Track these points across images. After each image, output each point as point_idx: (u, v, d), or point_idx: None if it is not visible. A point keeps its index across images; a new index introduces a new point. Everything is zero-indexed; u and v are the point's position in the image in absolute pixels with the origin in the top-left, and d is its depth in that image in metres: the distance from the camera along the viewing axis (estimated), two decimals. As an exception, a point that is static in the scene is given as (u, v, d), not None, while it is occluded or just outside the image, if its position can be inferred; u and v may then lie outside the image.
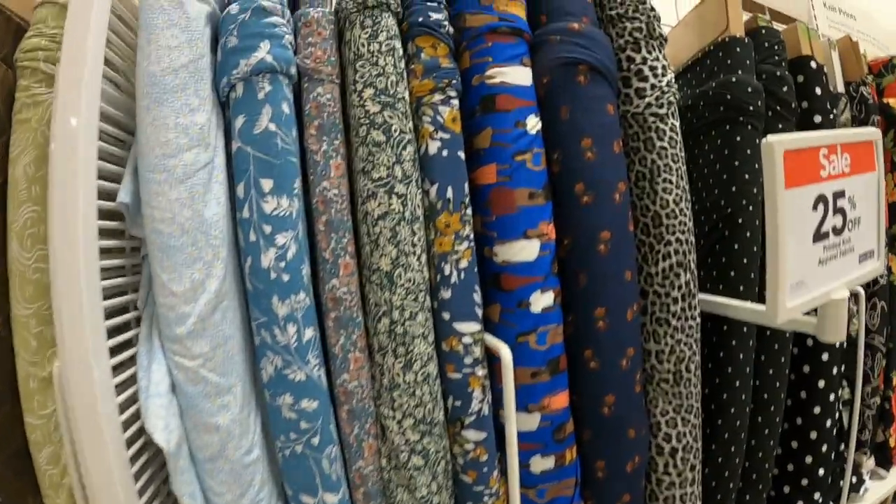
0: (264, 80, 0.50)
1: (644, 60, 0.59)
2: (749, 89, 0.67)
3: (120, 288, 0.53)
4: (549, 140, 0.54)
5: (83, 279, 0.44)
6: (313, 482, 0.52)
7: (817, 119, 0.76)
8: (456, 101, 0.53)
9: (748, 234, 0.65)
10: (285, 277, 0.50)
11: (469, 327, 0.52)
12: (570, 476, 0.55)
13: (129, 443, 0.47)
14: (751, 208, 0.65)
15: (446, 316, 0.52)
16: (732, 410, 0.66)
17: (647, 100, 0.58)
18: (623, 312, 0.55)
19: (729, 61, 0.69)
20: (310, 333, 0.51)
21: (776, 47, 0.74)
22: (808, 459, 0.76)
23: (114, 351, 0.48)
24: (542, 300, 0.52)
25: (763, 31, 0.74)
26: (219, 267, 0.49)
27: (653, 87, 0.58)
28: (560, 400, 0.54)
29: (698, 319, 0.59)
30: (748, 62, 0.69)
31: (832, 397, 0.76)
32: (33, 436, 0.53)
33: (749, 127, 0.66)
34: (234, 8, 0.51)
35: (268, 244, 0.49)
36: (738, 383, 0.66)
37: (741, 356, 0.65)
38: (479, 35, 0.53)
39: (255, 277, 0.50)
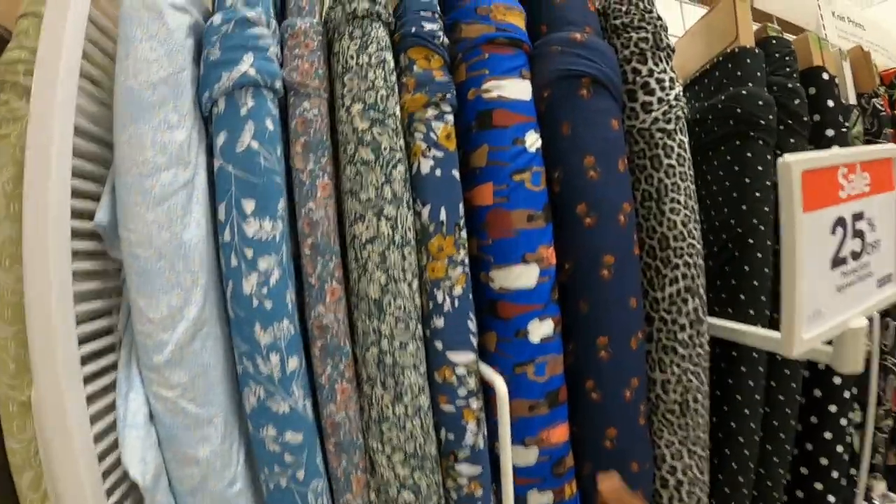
0: (247, 94, 0.45)
1: (651, 73, 0.53)
2: (760, 102, 0.61)
3: (101, 311, 0.49)
4: (549, 158, 0.49)
5: (55, 307, 0.40)
6: (299, 516, 0.47)
7: (829, 132, 0.70)
8: (450, 117, 0.48)
9: (759, 255, 0.59)
10: (268, 305, 0.45)
11: (463, 357, 0.47)
12: (569, 513, 0.50)
13: (108, 472, 0.42)
14: (762, 228, 0.59)
15: (439, 345, 0.47)
16: (741, 440, 0.60)
17: (653, 114, 0.52)
18: (627, 341, 0.49)
19: (739, 73, 0.63)
20: (294, 363, 0.46)
21: (787, 58, 0.68)
22: (819, 486, 0.70)
23: (95, 376, 0.44)
24: (541, 329, 0.47)
25: (774, 42, 0.68)
26: (198, 293, 0.44)
27: (660, 100, 0.53)
28: (559, 433, 0.49)
29: (707, 347, 0.54)
30: (759, 74, 0.63)
31: (843, 421, 0.70)
32: (14, 459, 0.49)
33: (760, 142, 0.61)
34: (216, 19, 0.46)
35: (250, 269, 0.45)
36: (747, 412, 0.60)
37: (751, 383, 0.60)
38: (475, 46, 0.48)
39: (236, 304, 0.45)
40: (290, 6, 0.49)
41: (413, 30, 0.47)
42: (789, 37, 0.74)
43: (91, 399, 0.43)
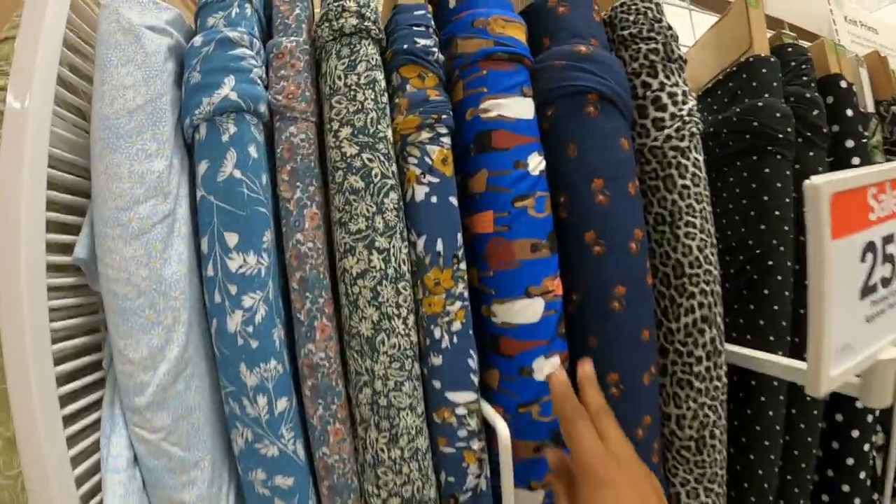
0: (229, 120, 0.40)
1: (662, 86, 0.47)
2: (777, 114, 0.55)
3: (89, 346, 0.44)
4: (554, 181, 0.43)
5: (29, 349, 0.36)
6: (289, 564, 0.42)
7: (849, 144, 0.63)
8: (447, 139, 0.42)
9: (779, 278, 0.53)
10: (254, 344, 0.40)
11: (463, 397, 0.42)
12: (579, 560, 0.44)
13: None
14: (782, 249, 0.53)
15: (437, 384, 0.42)
16: (760, 472, 0.54)
17: (666, 132, 0.46)
18: (639, 377, 0.44)
19: (754, 83, 0.57)
20: (283, 404, 0.41)
21: (804, 66, 0.61)
22: (840, 514, 0.63)
23: (82, 412, 0.40)
24: (546, 367, 0.41)
25: (789, 49, 0.62)
26: (180, 332, 0.40)
27: (672, 116, 0.47)
28: (567, 476, 0.43)
29: (725, 379, 0.48)
30: (775, 84, 0.57)
31: (867, 447, 0.63)
32: (2, 495, 0.45)
33: (778, 156, 0.54)
34: (197, 40, 0.41)
35: (234, 306, 0.40)
36: (766, 443, 0.54)
37: (771, 413, 0.53)
38: (472, 62, 0.42)
39: (221, 342, 0.40)
40: (275, 24, 0.43)
41: (405, 46, 0.41)
42: (803, 44, 0.67)
43: (76, 438, 0.38)
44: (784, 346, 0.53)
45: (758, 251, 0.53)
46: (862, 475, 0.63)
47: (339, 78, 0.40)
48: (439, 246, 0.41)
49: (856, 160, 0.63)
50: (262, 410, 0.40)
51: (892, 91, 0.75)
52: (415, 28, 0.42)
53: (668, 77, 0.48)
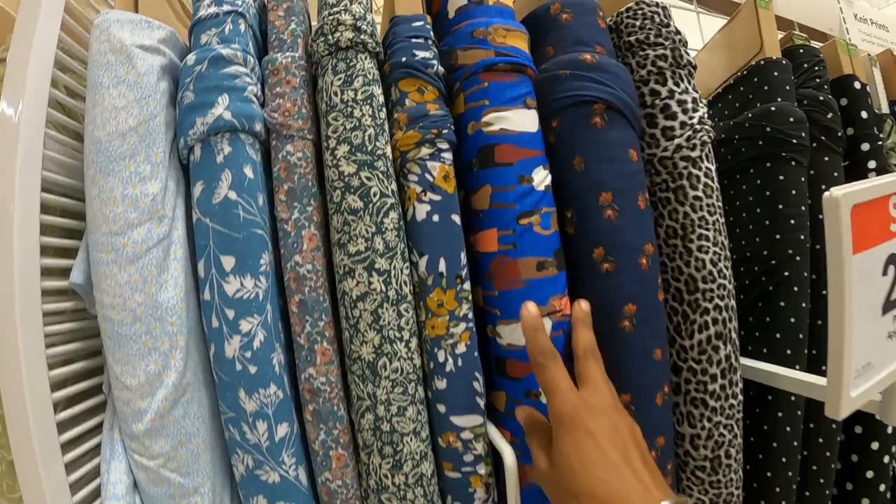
0: (223, 140, 0.38)
1: (671, 94, 0.44)
2: (791, 119, 0.51)
3: (89, 370, 0.42)
4: (561, 196, 0.40)
5: (25, 375, 0.34)
6: (294, 591, 0.40)
7: (865, 147, 0.59)
8: (448, 155, 0.39)
9: (795, 289, 0.49)
10: (252, 369, 0.38)
11: (469, 421, 0.39)
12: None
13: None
14: (798, 259, 0.49)
15: (442, 408, 0.39)
16: (777, 490, 0.50)
17: (676, 141, 0.43)
18: (651, 398, 0.40)
19: (766, 87, 0.53)
20: (284, 430, 0.38)
21: (816, 68, 0.58)
22: (860, 528, 0.59)
23: (82, 438, 0.38)
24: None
25: (801, 51, 0.58)
26: (177, 357, 0.37)
27: (682, 125, 0.43)
28: (578, 500, 0.40)
29: (741, 396, 0.44)
30: (788, 87, 0.53)
31: (886, 459, 0.59)
32: None
33: (793, 162, 0.51)
34: (190, 59, 0.39)
35: (231, 331, 0.37)
36: (784, 459, 0.50)
37: (788, 429, 0.50)
38: (473, 74, 0.39)
39: (219, 368, 0.38)
40: (270, 40, 0.41)
41: (403, 59, 0.39)
42: (815, 44, 0.63)
43: (77, 462, 0.37)
44: (801, 359, 0.50)
45: (773, 262, 0.49)
46: (882, 487, 0.60)
47: (336, 94, 0.38)
48: (442, 266, 0.38)
49: (872, 164, 0.59)
50: (263, 437, 0.38)
51: (907, 90, 0.70)
52: (413, 40, 0.39)
53: (677, 84, 0.44)
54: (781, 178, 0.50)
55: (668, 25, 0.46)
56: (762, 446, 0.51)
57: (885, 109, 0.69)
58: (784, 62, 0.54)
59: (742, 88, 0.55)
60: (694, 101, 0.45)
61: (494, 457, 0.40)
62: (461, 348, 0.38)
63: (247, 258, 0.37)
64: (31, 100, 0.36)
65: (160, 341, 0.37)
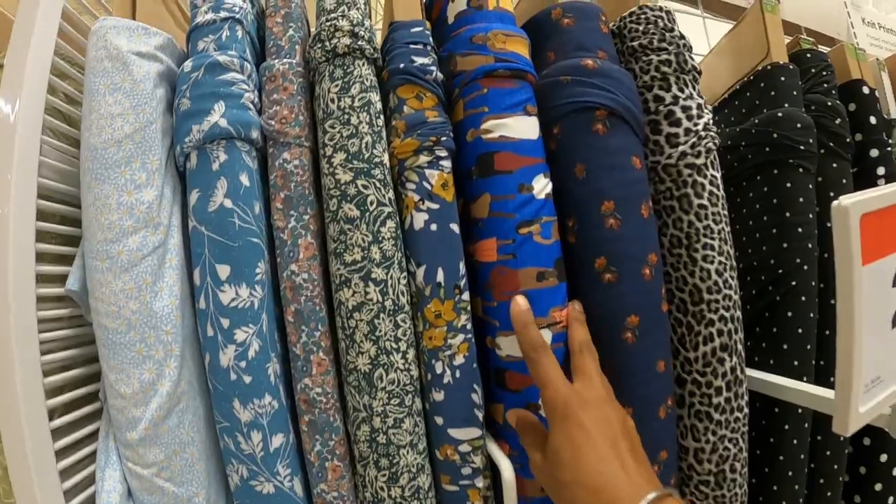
0: (219, 147, 0.37)
1: (675, 100, 0.42)
2: (798, 125, 0.49)
3: (86, 376, 0.41)
4: (562, 205, 0.39)
5: (19, 384, 0.33)
6: None
7: (874, 153, 0.57)
8: (447, 163, 0.38)
9: (803, 299, 0.47)
10: (247, 379, 0.36)
11: (466, 433, 0.37)
12: None
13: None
14: (805, 268, 0.47)
15: (439, 420, 0.37)
16: (784, 504, 0.48)
17: (680, 148, 0.41)
18: (654, 411, 0.38)
19: (773, 92, 0.51)
20: (279, 440, 0.37)
21: (824, 73, 0.55)
22: (867, 541, 0.56)
23: (78, 444, 0.37)
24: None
25: (808, 55, 0.55)
26: (172, 366, 0.36)
27: (687, 131, 0.41)
28: (578, 515, 0.38)
29: (746, 409, 0.42)
30: (795, 92, 0.51)
31: (895, 471, 0.56)
32: None
33: (800, 169, 0.48)
34: (187, 65, 0.38)
35: (226, 340, 0.36)
36: (790, 473, 0.48)
37: (795, 442, 0.47)
38: (472, 80, 0.38)
39: (214, 377, 0.37)
40: (268, 47, 0.40)
41: (402, 65, 0.37)
42: (822, 49, 0.61)
43: (72, 470, 0.36)
44: (809, 371, 0.47)
45: (780, 271, 0.47)
46: (890, 500, 0.57)
47: (333, 101, 0.36)
48: (440, 276, 0.36)
49: (881, 170, 0.56)
50: (257, 447, 0.37)
51: (916, 95, 0.68)
52: (412, 46, 0.38)
53: (681, 90, 0.42)
54: (789, 185, 0.48)
55: (671, 30, 0.44)
56: (768, 459, 0.48)
57: (894, 115, 0.66)
58: (791, 67, 0.52)
59: (748, 94, 0.53)
60: (699, 106, 0.42)
61: (493, 470, 0.39)
62: (459, 360, 0.37)
63: (242, 267, 0.36)
64: (28, 101, 0.35)
65: (154, 349, 0.36)
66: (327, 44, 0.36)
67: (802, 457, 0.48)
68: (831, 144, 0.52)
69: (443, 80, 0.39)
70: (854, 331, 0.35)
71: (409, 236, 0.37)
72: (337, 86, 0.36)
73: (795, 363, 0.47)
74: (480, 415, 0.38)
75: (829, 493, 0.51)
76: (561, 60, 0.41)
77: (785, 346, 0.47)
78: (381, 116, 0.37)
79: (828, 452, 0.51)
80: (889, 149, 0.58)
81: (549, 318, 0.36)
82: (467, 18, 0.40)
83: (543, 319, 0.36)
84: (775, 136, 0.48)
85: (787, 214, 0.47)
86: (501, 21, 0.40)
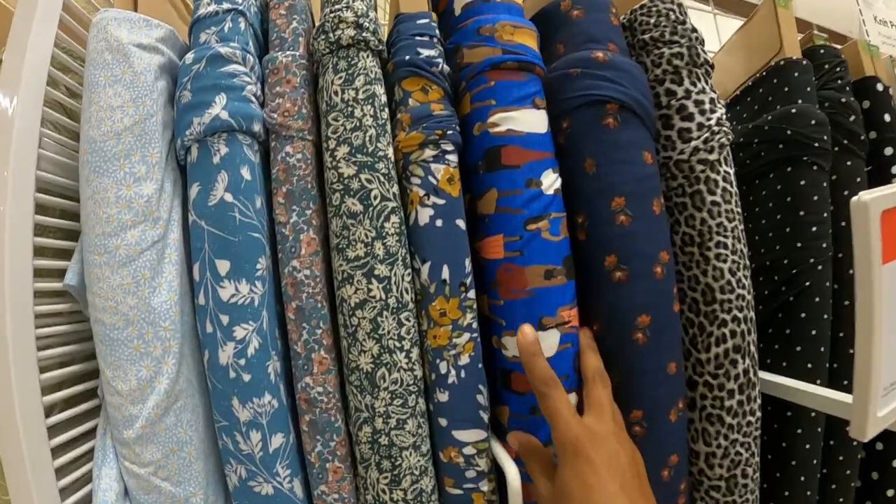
0: (220, 140, 0.35)
1: (687, 94, 0.40)
2: (813, 121, 0.46)
3: (85, 372, 0.39)
4: (571, 201, 0.37)
5: (14, 380, 0.32)
6: None
7: (888, 151, 0.54)
8: (453, 157, 0.36)
9: (817, 300, 0.45)
10: (246, 377, 0.35)
11: (471, 435, 0.35)
12: None
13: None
14: (820, 268, 0.45)
15: (443, 422, 0.35)
16: (796, 509, 0.46)
17: (693, 143, 0.39)
18: (665, 414, 0.36)
19: (786, 89, 0.48)
20: (279, 440, 0.36)
21: (838, 69, 0.53)
22: (879, 548, 0.54)
23: (76, 441, 0.36)
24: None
25: (822, 51, 0.53)
26: (170, 363, 0.35)
27: (700, 126, 0.39)
28: (586, 521, 0.36)
29: (759, 413, 0.40)
30: (809, 89, 0.49)
31: (909, 477, 0.54)
32: None
33: (814, 167, 0.46)
34: (188, 57, 0.36)
35: (226, 337, 0.35)
36: (802, 478, 0.46)
37: (808, 446, 0.45)
38: (479, 73, 0.36)
39: (213, 374, 0.35)
40: (271, 39, 0.38)
41: (407, 57, 0.35)
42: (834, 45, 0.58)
43: (69, 467, 0.35)
44: (823, 373, 0.45)
45: (794, 271, 0.45)
46: (903, 507, 0.54)
47: (336, 93, 0.35)
48: (445, 273, 0.34)
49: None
50: (256, 447, 0.35)
51: (930, 93, 0.65)
52: (417, 38, 0.36)
53: (693, 84, 0.40)
54: (803, 183, 0.46)
55: (683, 23, 0.42)
56: (780, 464, 0.46)
57: (908, 113, 0.64)
58: (805, 62, 0.50)
59: (761, 90, 0.51)
60: (712, 101, 0.41)
61: (498, 473, 0.37)
62: (464, 359, 0.35)
63: (242, 262, 0.35)
64: (27, 93, 0.34)
65: (152, 346, 0.34)
66: (331, 35, 0.35)
67: (815, 462, 0.46)
68: (845, 142, 0.50)
69: (449, 73, 0.37)
70: (873, 332, 0.33)
71: (413, 232, 0.35)
72: (341, 78, 0.35)
73: (809, 365, 0.44)
74: (486, 416, 0.36)
75: (841, 499, 0.49)
76: (570, 53, 0.39)
77: (798, 349, 0.45)
78: (386, 109, 0.35)
79: (840, 457, 0.48)
80: (903, 147, 0.56)
81: (557, 318, 0.34)
82: (475, 9, 0.38)
83: (551, 319, 0.34)
84: (789, 132, 0.46)
85: (801, 213, 0.45)
86: (509, 12, 0.38)
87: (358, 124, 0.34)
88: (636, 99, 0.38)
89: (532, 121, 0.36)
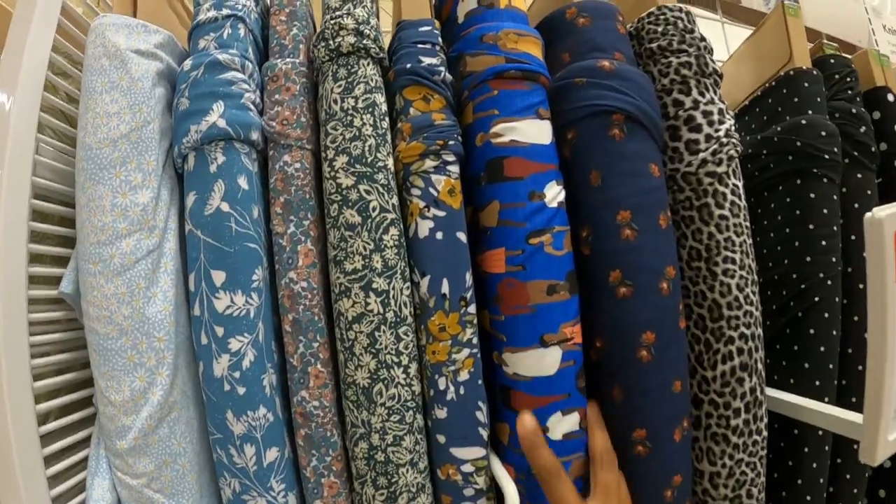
0: (217, 149, 0.34)
1: (695, 104, 0.38)
2: (823, 133, 0.44)
3: (82, 380, 0.38)
4: (575, 214, 0.35)
5: (6, 387, 0.31)
6: None
7: (899, 163, 0.52)
8: (454, 168, 0.34)
9: (826, 316, 0.43)
10: (241, 390, 0.33)
11: (470, 453, 0.34)
12: None
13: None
14: (829, 283, 0.43)
15: (441, 439, 0.34)
16: (802, 530, 0.44)
17: (701, 155, 0.37)
18: (669, 433, 0.35)
19: (796, 99, 0.46)
20: (273, 455, 0.34)
21: (848, 79, 0.51)
22: (885, 567, 0.52)
23: (71, 449, 0.34)
24: (563, 425, 0.33)
25: (832, 61, 0.51)
26: (163, 374, 0.33)
27: (708, 137, 0.38)
28: (586, 542, 0.35)
29: (765, 432, 0.38)
30: (819, 99, 0.47)
31: (917, 495, 0.52)
32: None
33: (825, 179, 0.44)
34: (186, 64, 0.35)
35: (220, 349, 0.33)
36: (809, 497, 0.44)
37: (815, 465, 0.43)
38: (482, 82, 0.34)
39: (207, 386, 0.34)
40: (271, 46, 0.37)
41: (409, 65, 0.34)
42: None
43: (63, 475, 0.33)
44: (831, 391, 0.43)
45: (802, 286, 0.43)
46: (910, 525, 0.52)
47: (336, 101, 0.33)
48: (445, 287, 0.33)
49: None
50: (250, 461, 0.34)
51: (941, 104, 0.62)
52: (419, 46, 0.35)
53: (702, 94, 0.39)
54: (812, 195, 0.44)
55: (692, 31, 0.40)
56: (785, 483, 0.44)
57: (918, 124, 0.61)
58: (815, 72, 0.48)
59: (770, 100, 0.49)
60: (720, 112, 0.39)
61: (497, 492, 0.35)
62: (464, 375, 0.33)
63: (238, 273, 0.33)
64: (23, 98, 0.32)
65: (146, 357, 0.33)
66: (331, 42, 0.33)
67: (822, 481, 0.44)
68: (856, 154, 0.48)
69: (452, 82, 0.36)
70: (886, 352, 0.31)
71: (413, 245, 0.33)
72: (340, 86, 0.33)
73: (817, 383, 0.42)
74: (485, 434, 0.34)
75: (848, 518, 0.47)
76: (576, 61, 0.37)
77: (806, 365, 0.43)
78: (387, 118, 0.34)
79: (847, 476, 0.46)
80: (914, 159, 0.54)
81: (559, 335, 0.33)
82: (478, 17, 0.36)
83: (553, 336, 0.32)
84: (798, 144, 0.44)
85: (811, 227, 0.43)
86: (513, 20, 0.36)
87: (357, 133, 0.32)
88: (643, 109, 0.36)
89: (536, 131, 0.35)
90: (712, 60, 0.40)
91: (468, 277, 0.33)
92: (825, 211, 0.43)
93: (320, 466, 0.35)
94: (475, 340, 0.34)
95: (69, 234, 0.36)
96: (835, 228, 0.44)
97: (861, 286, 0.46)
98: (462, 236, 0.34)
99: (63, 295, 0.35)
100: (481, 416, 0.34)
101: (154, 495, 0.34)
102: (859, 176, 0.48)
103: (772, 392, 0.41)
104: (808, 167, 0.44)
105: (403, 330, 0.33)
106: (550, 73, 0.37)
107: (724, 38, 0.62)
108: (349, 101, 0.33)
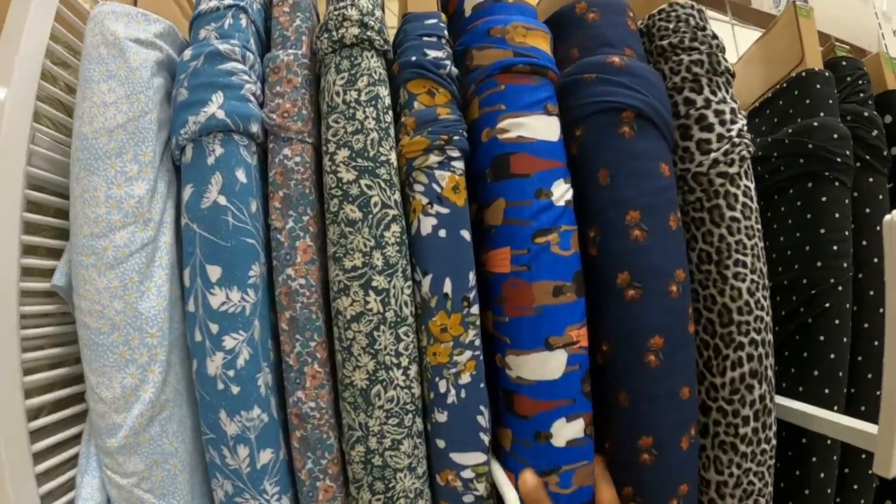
0: (215, 140, 0.32)
1: (707, 103, 0.37)
2: (835, 135, 0.43)
3: (77, 375, 0.37)
4: (583, 213, 0.33)
5: None
6: None
7: (910, 168, 0.50)
8: (459, 164, 0.33)
9: (836, 322, 0.41)
10: (234, 389, 0.32)
11: (470, 458, 0.32)
12: None
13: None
14: (840, 289, 0.41)
15: (441, 443, 0.32)
16: (809, 541, 0.42)
17: (712, 155, 0.35)
18: (676, 441, 0.33)
19: (807, 101, 0.45)
20: (267, 456, 0.32)
21: (860, 81, 0.49)
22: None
23: (63, 445, 0.33)
24: (567, 431, 0.31)
25: (844, 63, 0.49)
26: (155, 372, 0.32)
27: (720, 137, 0.36)
28: (589, 553, 0.33)
29: (774, 441, 0.37)
30: (831, 101, 0.45)
31: (924, 506, 0.50)
32: None
33: (836, 183, 0.42)
34: (186, 54, 0.34)
35: (215, 347, 0.32)
36: (817, 508, 0.42)
37: (822, 475, 0.41)
38: (488, 76, 0.33)
39: (201, 385, 0.32)
40: (274, 37, 0.35)
41: (414, 58, 0.32)
42: (854, 58, 0.54)
43: (53, 472, 0.32)
44: (840, 399, 0.41)
45: (813, 291, 0.41)
46: (917, 536, 0.50)
47: (338, 94, 0.31)
48: (447, 287, 0.31)
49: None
50: (243, 462, 0.32)
51: (951, 109, 0.61)
52: (425, 38, 0.33)
53: (714, 92, 0.37)
54: (824, 199, 0.42)
55: (704, 29, 0.39)
56: (792, 493, 0.42)
57: (928, 129, 0.60)
58: (827, 74, 0.46)
59: (781, 102, 0.47)
60: (732, 111, 0.37)
61: (498, 499, 0.34)
62: (465, 378, 0.32)
63: (234, 269, 0.31)
64: (18, 87, 0.31)
65: (138, 353, 0.32)
66: (334, 33, 0.32)
67: (829, 491, 0.42)
68: (867, 157, 0.46)
69: (458, 76, 0.34)
70: (904, 360, 0.30)
71: (415, 242, 0.32)
72: (343, 78, 0.31)
73: (826, 391, 0.41)
74: (486, 439, 0.32)
75: (854, 530, 0.45)
76: (585, 57, 0.35)
77: (815, 373, 0.41)
78: (390, 112, 0.32)
79: (855, 486, 0.44)
80: (925, 164, 0.52)
81: (565, 338, 0.31)
82: (486, 10, 0.35)
83: (559, 338, 0.31)
84: (810, 146, 0.42)
85: (822, 231, 0.41)
86: (522, 14, 0.35)
87: (359, 127, 0.31)
88: (653, 107, 0.34)
89: (543, 128, 0.33)
90: (724, 59, 0.39)
91: (471, 277, 0.32)
92: (837, 215, 0.42)
93: (316, 469, 0.33)
94: (478, 342, 0.32)
95: (65, 225, 0.35)
96: (846, 233, 0.42)
97: (871, 293, 0.44)
98: (466, 234, 0.32)
99: (55, 288, 0.34)
100: (483, 420, 0.32)
101: (144, 495, 0.32)
102: (871, 180, 0.46)
103: (781, 400, 0.39)
104: (820, 170, 0.42)
105: (404, 330, 0.31)
106: (559, 68, 0.35)
107: (733, 41, 0.60)
108: (352, 93, 0.31)
